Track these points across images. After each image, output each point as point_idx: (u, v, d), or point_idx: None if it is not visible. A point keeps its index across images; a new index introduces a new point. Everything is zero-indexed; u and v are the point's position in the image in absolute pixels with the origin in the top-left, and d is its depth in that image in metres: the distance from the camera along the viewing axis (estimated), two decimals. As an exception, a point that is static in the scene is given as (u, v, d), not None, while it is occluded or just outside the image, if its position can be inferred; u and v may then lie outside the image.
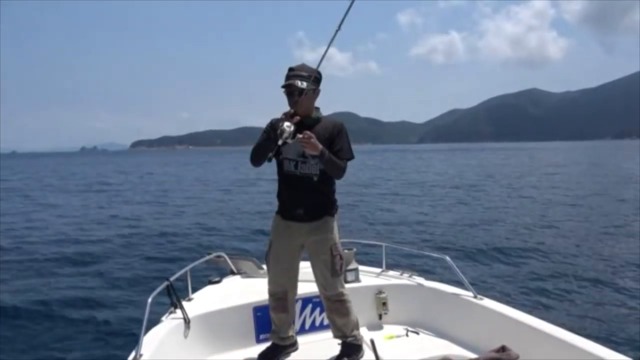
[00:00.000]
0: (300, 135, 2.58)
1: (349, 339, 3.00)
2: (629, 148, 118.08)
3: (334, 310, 2.97)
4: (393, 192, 22.40)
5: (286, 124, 2.56)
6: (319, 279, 2.93)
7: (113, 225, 14.27)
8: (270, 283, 3.01)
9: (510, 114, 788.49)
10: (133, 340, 2.66)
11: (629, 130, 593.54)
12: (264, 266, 3.86)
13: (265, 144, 2.74)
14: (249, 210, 16.37)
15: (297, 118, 2.62)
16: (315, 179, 2.80)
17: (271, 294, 3.01)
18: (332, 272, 2.86)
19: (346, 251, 3.56)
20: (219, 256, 3.99)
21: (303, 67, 2.80)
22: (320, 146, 2.64)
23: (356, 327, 3.04)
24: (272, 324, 3.09)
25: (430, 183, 27.14)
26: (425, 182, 27.68)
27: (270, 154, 2.61)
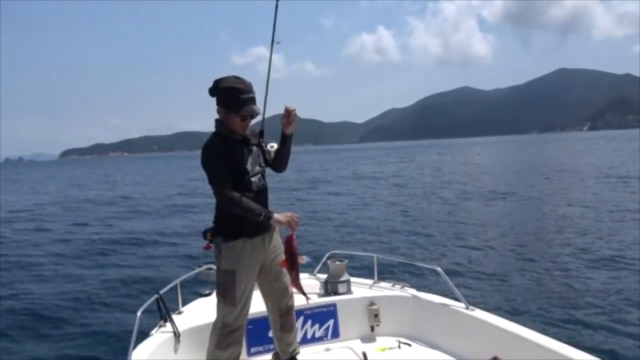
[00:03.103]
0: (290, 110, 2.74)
1: (294, 354, 2.96)
2: (549, 141, 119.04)
3: (285, 324, 2.89)
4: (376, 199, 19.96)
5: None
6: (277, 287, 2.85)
7: (98, 236, 13.61)
8: (237, 318, 2.69)
9: (444, 112, 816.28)
10: (122, 355, 2.65)
11: (553, 124, 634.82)
12: None
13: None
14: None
15: None
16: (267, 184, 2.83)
17: (234, 328, 2.70)
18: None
19: (337, 263, 3.67)
20: (209, 268, 3.86)
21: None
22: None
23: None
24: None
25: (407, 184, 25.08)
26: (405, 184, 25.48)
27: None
